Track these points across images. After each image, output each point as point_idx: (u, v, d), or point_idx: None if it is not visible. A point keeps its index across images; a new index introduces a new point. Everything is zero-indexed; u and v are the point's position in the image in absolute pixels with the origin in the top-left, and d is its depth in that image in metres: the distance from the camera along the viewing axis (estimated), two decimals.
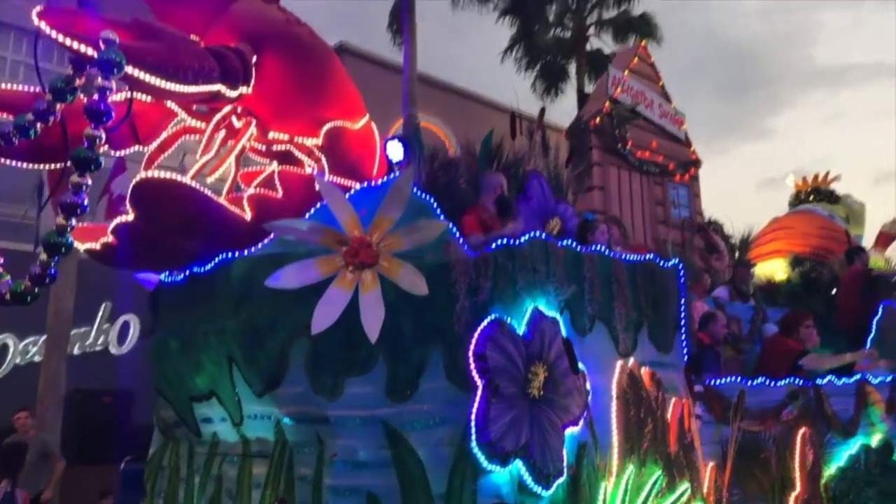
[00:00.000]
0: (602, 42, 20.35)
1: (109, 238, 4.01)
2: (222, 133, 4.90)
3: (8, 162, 4.42)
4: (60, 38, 3.28)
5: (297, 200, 4.56)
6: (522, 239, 3.85)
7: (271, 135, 4.73)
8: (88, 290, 10.66)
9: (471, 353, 3.49)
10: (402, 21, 16.06)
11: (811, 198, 11.23)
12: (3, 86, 4.44)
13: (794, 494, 4.78)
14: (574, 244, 4.13)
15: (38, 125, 3.66)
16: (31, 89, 4.34)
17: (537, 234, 3.89)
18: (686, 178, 8.25)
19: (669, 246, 7.47)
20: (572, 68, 20.19)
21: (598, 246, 4.34)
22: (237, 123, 4.73)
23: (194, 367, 4.36)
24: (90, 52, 3.26)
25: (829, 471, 5.19)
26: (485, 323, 3.55)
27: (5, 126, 3.78)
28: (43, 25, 3.27)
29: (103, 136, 3.34)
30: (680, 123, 8.40)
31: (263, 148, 4.88)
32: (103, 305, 12.55)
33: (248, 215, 4.37)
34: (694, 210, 8.40)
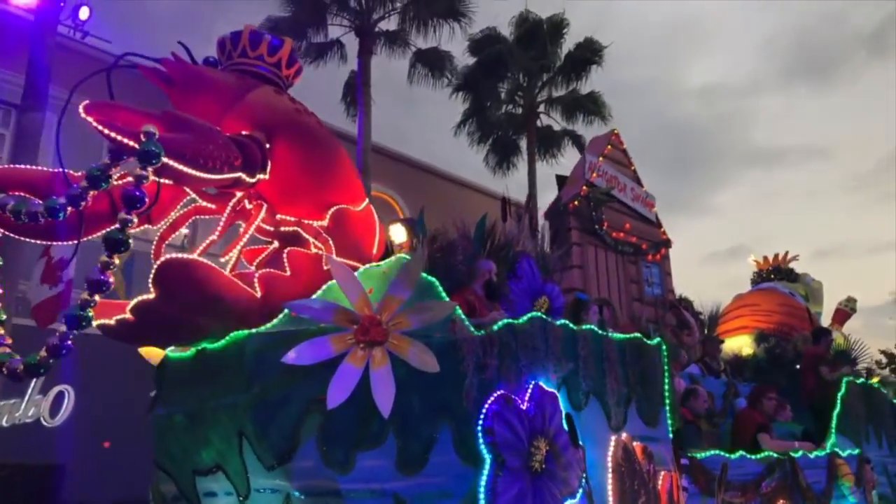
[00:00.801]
0: (552, 119, 21.20)
1: (128, 315, 4.14)
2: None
3: (20, 238, 4.60)
4: (105, 130, 3.50)
5: (304, 279, 4.76)
6: (523, 319, 4.10)
7: (279, 216, 4.96)
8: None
9: (479, 428, 3.68)
10: (356, 93, 16.63)
11: (772, 276, 11.81)
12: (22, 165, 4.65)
13: None
14: (568, 324, 4.39)
15: (69, 209, 3.87)
16: (49, 170, 4.59)
17: (537, 314, 4.14)
18: (658, 258, 8.65)
19: (644, 322, 7.78)
20: (524, 143, 20.90)
21: (590, 325, 4.61)
22: (247, 205, 4.95)
23: (201, 441, 4.44)
24: (132, 143, 3.48)
25: None
26: (492, 399, 3.76)
27: (34, 206, 3.97)
28: (90, 119, 3.50)
29: (135, 220, 3.55)
30: (651, 206, 8.86)
31: (271, 228, 5.10)
32: None
33: (258, 293, 4.55)
34: (665, 288, 8.78)
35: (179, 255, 4.08)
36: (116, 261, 3.56)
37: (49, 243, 4.06)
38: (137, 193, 3.50)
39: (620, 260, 8.14)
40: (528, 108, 20.72)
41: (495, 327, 3.99)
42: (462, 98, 20.44)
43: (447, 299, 4.17)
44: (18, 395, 11.84)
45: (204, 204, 5.03)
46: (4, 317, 4.34)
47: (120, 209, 3.77)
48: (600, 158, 8.28)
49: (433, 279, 4.25)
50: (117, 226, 3.52)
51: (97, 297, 3.56)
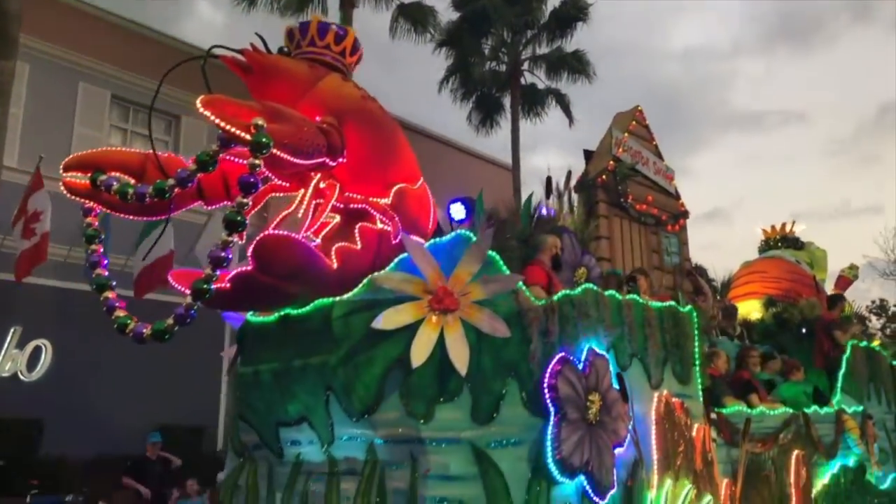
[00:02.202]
0: (536, 77, 20.90)
1: (226, 285, 4.61)
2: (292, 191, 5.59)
3: (118, 216, 5.08)
4: (221, 122, 3.93)
5: (372, 252, 5.24)
6: (579, 290, 4.59)
7: (348, 195, 5.41)
8: None
9: (545, 385, 4.19)
10: None
11: (779, 244, 12.29)
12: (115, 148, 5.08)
13: None
14: (616, 294, 4.88)
15: (176, 190, 4.33)
16: (139, 152, 5.03)
17: (591, 286, 4.63)
18: (677, 228, 9.12)
19: (664, 290, 8.29)
20: (507, 101, 20.61)
21: (634, 295, 5.10)
22: (321, 185, 5.40)
23: (287, 396, 4.95)
24: (246, 136, 3.91)
25: (816, 488, 5.98)
26: (554, 360, 4.26)
27: (141, 188, 4.43)
28: (207, 112, 3.93)
29: (250, 203, 4.00)
30: (670, 179, 9.29)
31: (339, 205, 5.54)
32: (12, 330, 11.92)
33: (335, 264, 5.02)
34: (682, 256, 9.26)
35: (276, 232, 4.54)
36: (236, 239, 4.01)
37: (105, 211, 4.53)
38: (252, 180, 3.94)
39: (643, 230, 8.61)
40: (512, 65, 20.42)
41: (555, 298, 4.48)
42: (445, 54, 20.16)
43: (508, 272, 4.65)
44: None
45: (279, 183, 5.48)
46: (114, 282, 4.83)
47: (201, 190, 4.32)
48: (625, 134, 8.69)
49: (495, 254, 4.72)
50: (235, 208, 3.97)
51: (218, 272, 4.03)
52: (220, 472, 9.28)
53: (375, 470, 4.56)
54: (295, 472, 5.11)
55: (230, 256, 4.06)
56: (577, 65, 20.21)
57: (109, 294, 4.75)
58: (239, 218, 3.99)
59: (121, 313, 4.63)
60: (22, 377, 11.76)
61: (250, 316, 5.40)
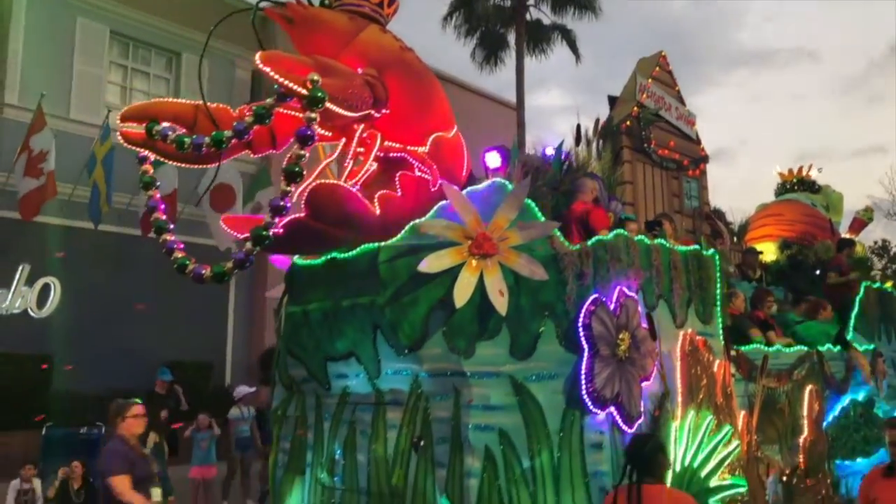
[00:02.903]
0: (541, 13, 20.32)
1: (280, 230, 4.89)
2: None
3: (174, 164, 5.34)
4: (279, 78, 4.13)
5: (411, 199, 5.48)
6: (611, 235, 4.83)
7: (387, 143, 5.62)
8: (4, 252, 10.42)
9: (579, 325, 4.47)
10: None
11: (795, 187, 12.40)
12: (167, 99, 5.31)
13: (803, 437, 5.90)
14: (645, 239, 5.12)
15: (233, 140, 4.56)
16: (191, 103, 5.24)
17: (622, 231, 4.87)
18: (697, 173, 9.27)
19: (684, 233, 8.50)
20: (512, 38, 20.06)
21: (661, 240, 5.34)
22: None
23: (335, 333, 5.28)
24: (303, 91, 4.12)
25: (827, 420, 6.32)
26: (588, 301, 4.53)
27: (198, 139, 4.67)
28: (267, 68, 4.13)
29: (307, 155, 4.24)
30: (692, 124, 9.39)
31: (380, 154, 5.76)
32: (21, 267, 11.98)
33: (377, 210, 5.28)
34: (702, 200, 9.44)
35: (327, 181, 4.79)
36: (293, 189, 4.26)
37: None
38: (309, 133, 4.16)
39: (665, 175, 8.77)
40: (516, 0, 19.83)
41: (589, 243, 4.73)
42: None
43: (543, 219, 4.89)
44: (4, 287, 11.83)
45: (322, 132, 5.69)
46: (172, 226, 5.11)
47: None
48: (649, 80, 8.77)
49: (531, 202, 4.95)
50: (293, 161, 4.21)
51: (278, 219, 4.29)
52: (231, 407, 9.54)
53: (420, 400, 4.92)
54: (342, 402, 5.49)
55: (289, 205, 4.32)
56: (583, 0, 19.67)
57: (168, 236, 5.05)
58: (297, 169, 4.23)
59: (179, 254, 4.94)
60: (32, 314, 11.87)
61: (297, 259, 5.69)
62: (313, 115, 4.17)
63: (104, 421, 9.68)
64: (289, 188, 4.25)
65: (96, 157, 11.40)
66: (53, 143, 10.67)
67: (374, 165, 5.98)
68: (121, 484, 4.21)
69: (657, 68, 9.06)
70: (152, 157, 5.21)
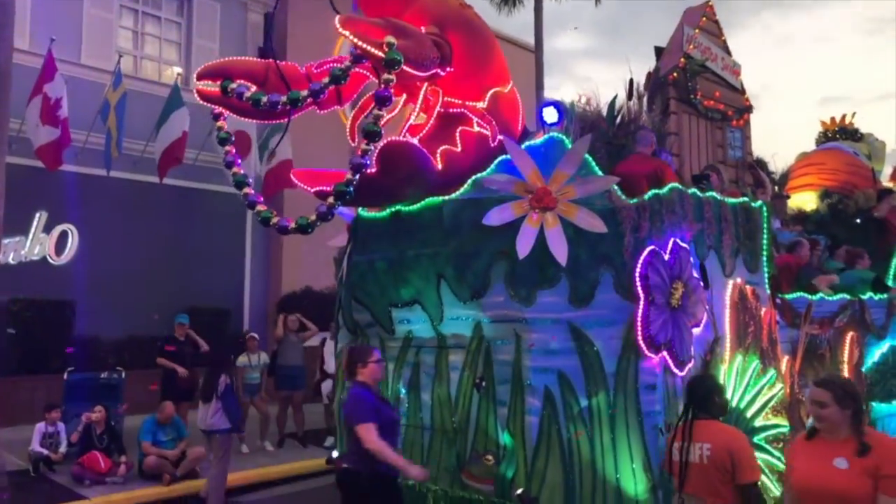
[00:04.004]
0: None
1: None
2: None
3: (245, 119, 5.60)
4: (358, 41, 4.31)
5: (471, 154, 5.66)
6: (666, 189, 4.99)
7: (447, 99, 5.77)
8: (20, 199, 9.95)
9: (636, 275, 4.68)
10: None
11: (837, 136, 12.27)
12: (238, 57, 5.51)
13: None
14: (697, 192, 5.27)
15: (309, 100, 4.77)
16: (261, 61, 5.44)
17: (676, 185, 5.03)
18: (741, 123, 9.27)
19: (728, 183, 8.58)
20: None
21: (712, 192, 5.48)
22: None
23: (400, 281, 5.55)
24: (380, 54, 4.29)
25: (866, 365, 6.51)
26: (645, 252, 4.73)
27: (274, 96, 4.88)
28: (346, 32, 4.30)
29: (386, 115, 4.43)
30: (737, 74, 9.34)
31: (440, 109, 5.92)
32: (38, 214, 11.80)
33: (439, 165, 5.48)
34: (745, 150, 9.46)
35: (397, 139, 4.99)
36: (372, 147, 4.47)
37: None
38: (387, 94, 4.35)
39: (709, 126, 8.80)
40: None
41: (646, 197, 4.90)
42: None
43: (601, 174, 5.06)
44: (22, 234, 11.60)
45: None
46: (251, 179, 5.38)
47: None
48: (696, 31, 8.73)
49: (590, 158, 5.11)
50: (371, 120, 4.42)
51: (357, 176, 4.52)
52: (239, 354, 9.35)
53: (482, 343, 5.20)
54: (406, 345, 5.81)
55: (368, 163, 4.54)
56: None
57: (248, 190, 5.31)
58: (376, 128, 4.44)
59: (261, 208, 5.20)
60: (51, 261, 11.76)
61: (362, 212, 5.95)
62: (391, 76, 4.35)
63: (124, 365, 9.66)
64: (369, 147, 4.46)
65: (109, 103, 11.16)
66: (65, 89, 10.47)
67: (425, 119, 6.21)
68: (367, 432, 4.06)
69: (704, 18, 8.99)
70: (226, 113, 5.48)
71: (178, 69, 13.22)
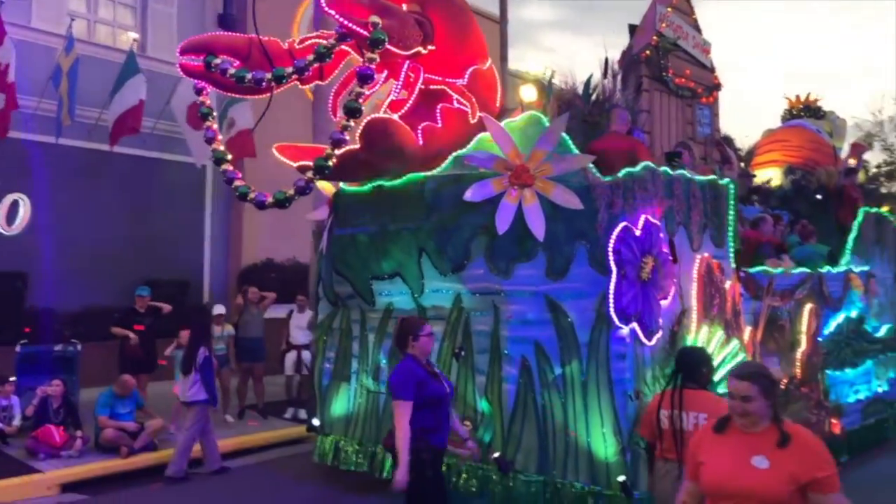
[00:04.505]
0: None
1: (334, 160, 5.21)
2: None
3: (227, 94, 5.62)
4: (343, 21, 4.38)
5: (452, 130, 5.78)
6: (638, 168, 5.17)
7: (428, 76, 5.86)
8: None
9: (609, 249, 4.86)
10: None
11: (801, 114, 12.59)
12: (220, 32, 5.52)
13: (801, 350, 6.42)
14: (668, 171, 5.46)
15: (293, 77, 4.85)
16: (245, 36, 5.47)
17: (649, 163, 5.21)
18: (711, 100, 9.49)
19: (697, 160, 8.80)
20: None
21: (683, 170, 5.68)
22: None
23: (381, 254, 5.69)
24: (365, 33, 4.37)
25: (823, 335, 6.83)
26: (618, 228, 4.91)
27: (258, 73, 4.94)
28: (332, 11, 4.37)
29: (367, 92, 4.53)
30: (707, 52, 9.53)
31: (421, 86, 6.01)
32: None
33: (420, 141, 5.59)
34: (713, 127, 9.70)
35: (380, 116, 5.09)
36: (353, 123, 4.58)
37: None
38: (369, 71, 4.45)
39: (679, 103, 9.00)
40: None
41: (619, 175, 5.07)
42: None
43: (577, 152, 5.22)
44: None
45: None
46: (230, 157, 5.44)
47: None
48: (669, 9, 8.87)
49: (567, 137, 5.26)
50: (353, 97, 4.51)
51: (337, 151, 4.62)
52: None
53: (461, 315, 5.38)
54: (386, 316, 5.96)
55: (347, 138, 4.64)
56: None
57: (227, 166, 5.39)
58: (356, 105, 4.54)
59: (239, 183, 5.30)
60: (2, 231, 10.82)
61: (344, 186, 6.05)
62: (374, 55, 4.45)
63: (81, 338, 9.09)
64: (349, 123, 4.56)
65: (61, 68, 10.62)
66: (13, 53, 9.85)
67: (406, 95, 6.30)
68: (401, 409, 3.79)
69: None
70: (209, 88, 5.51)
71: (133, 35, 12.83)
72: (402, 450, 3.73)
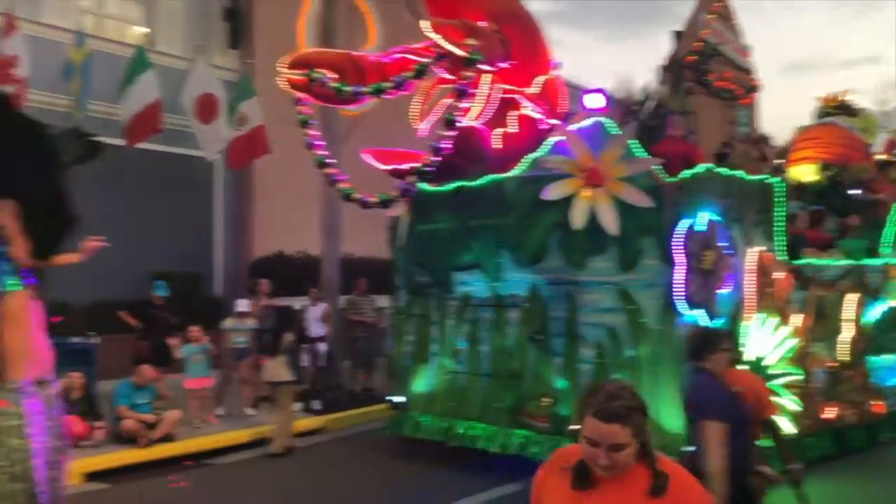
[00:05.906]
0: None
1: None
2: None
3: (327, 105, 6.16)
4: (447, 45, 4.87)
5: (526, 135, 6.28)
6: (701, 168, 5.61)
7: (504, 86, 6.34)
8: None
9: (675, 244, 5.33)
10: None
11: (834, 112, 12.82)
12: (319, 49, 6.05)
13: (848, 336, 6.83)
14: (725, 171, 5.89)
15: (390, 90, 5.36)
16: (343, 52, 6.00)
17: (710, 165, 5.65)
18: (749, 101, 9.86)
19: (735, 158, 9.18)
20: None
21: (736, 171, 6.10)
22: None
23: (462, 247, 6.19)
24: (465, 54, 4.86)
25: (864, 320, 7.21)
26: (683, 224, 5.37)
27: (358, 88, 5.45)
28: (437, 36, 4.85)
29: (462, 107, 5.02)
30: (746, 55, 9.90)
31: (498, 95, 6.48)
32: None
33: (497, 146, 6.09)
34: (751, 126, 10.07)
35: (469, 124, 5.58)
36: (452, 133, 5.07)
37: None
38: (467, 89, 4.94)
39: (720, 105, 9.40)
40: None
41: (683, 175, 5.51)
42: None
43: (643, 155, 5.66)
44: None
45: (445, 76, 6.41)
46: (332, 161, 5.96)
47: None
48: (711, 16, 9.26)
49: (635, 141, 5.71)
50: (449, 111, 5.01)
51: (436, 158, 5.12)
52: (223, 317, 9.16)
53: (538, 302, 5.87)
54: (464, 304, 6.46)
55: (445, 147, 5.14)
56: None
57: (331, 170, 5.92)
58: (454, 118, 5.03)
59: (344, 185, 5.83)
60: None
61: (425, 186, 6.54)
62: (470, 73, 4.93)
63: (95, 330, 8.97)
64: (447, 133, 5.06)
65: (73, 63, 10.33)
66: (24, 48, 9.53)
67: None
68: (715, 433, 3.15)
69: (718, 2, 9.50)
70: (309, 100, 6.04)
71: (143, 30, 12.68)
72: (713, 471, 3.05)
